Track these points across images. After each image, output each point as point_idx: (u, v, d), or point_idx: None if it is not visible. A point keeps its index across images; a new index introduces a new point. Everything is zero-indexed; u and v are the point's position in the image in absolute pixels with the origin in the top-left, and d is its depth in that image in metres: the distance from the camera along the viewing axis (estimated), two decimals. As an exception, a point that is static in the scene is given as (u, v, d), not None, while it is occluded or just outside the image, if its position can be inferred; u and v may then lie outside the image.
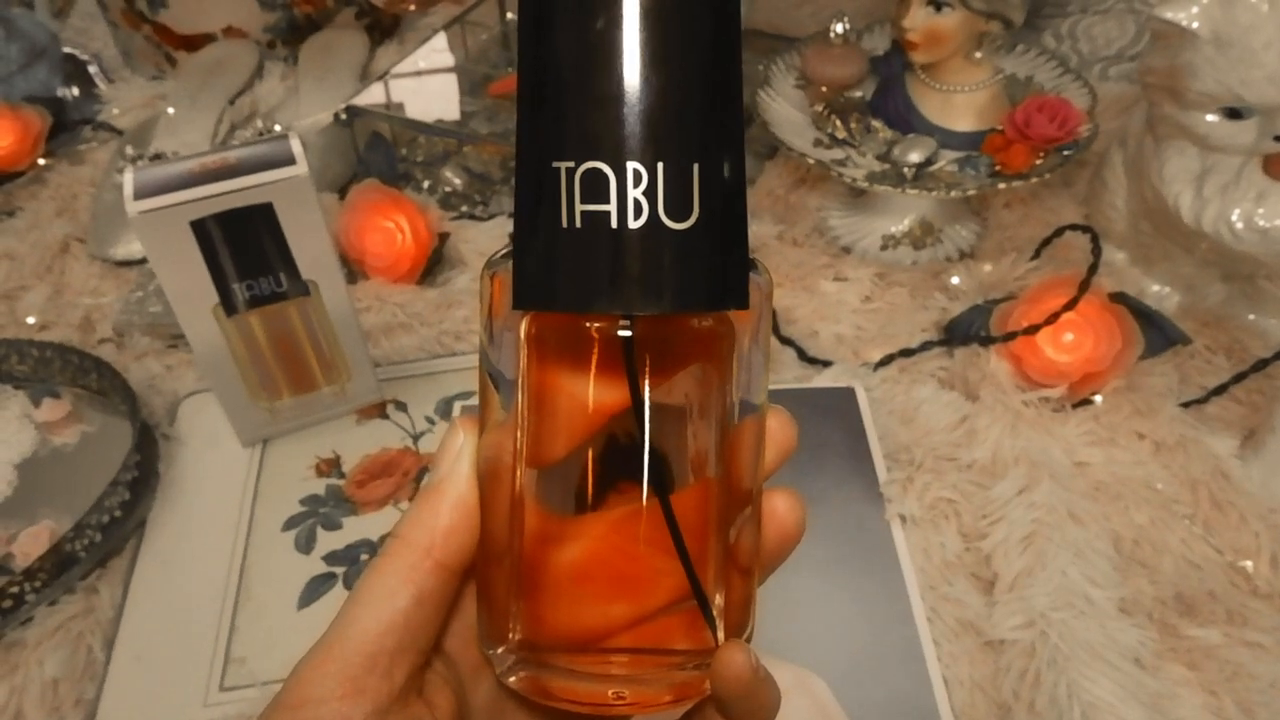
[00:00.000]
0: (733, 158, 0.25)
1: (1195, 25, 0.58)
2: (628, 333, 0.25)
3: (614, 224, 0.24)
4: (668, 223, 0.24)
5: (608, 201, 0.24)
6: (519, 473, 0.28)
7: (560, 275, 0.25)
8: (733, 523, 0.28)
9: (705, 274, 0.25)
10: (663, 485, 0.26)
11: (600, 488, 0.28)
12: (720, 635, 0.28)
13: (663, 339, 0.26)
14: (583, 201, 0.24)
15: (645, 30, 0.24)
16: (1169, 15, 0.58)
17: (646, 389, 0.26)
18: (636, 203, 0.24)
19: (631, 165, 0.24)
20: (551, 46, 0.24)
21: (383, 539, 0.59)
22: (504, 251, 0.28)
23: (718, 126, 0.25)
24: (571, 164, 0.24)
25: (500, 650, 0.28)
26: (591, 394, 0.27)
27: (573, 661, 0.28)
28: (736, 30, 0.25)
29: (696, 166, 0.24)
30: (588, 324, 0.26)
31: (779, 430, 0.31)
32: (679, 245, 0.25)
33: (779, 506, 0.30)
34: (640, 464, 0.26)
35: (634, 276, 0.24)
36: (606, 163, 0.24)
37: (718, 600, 0.28)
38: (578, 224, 0.24)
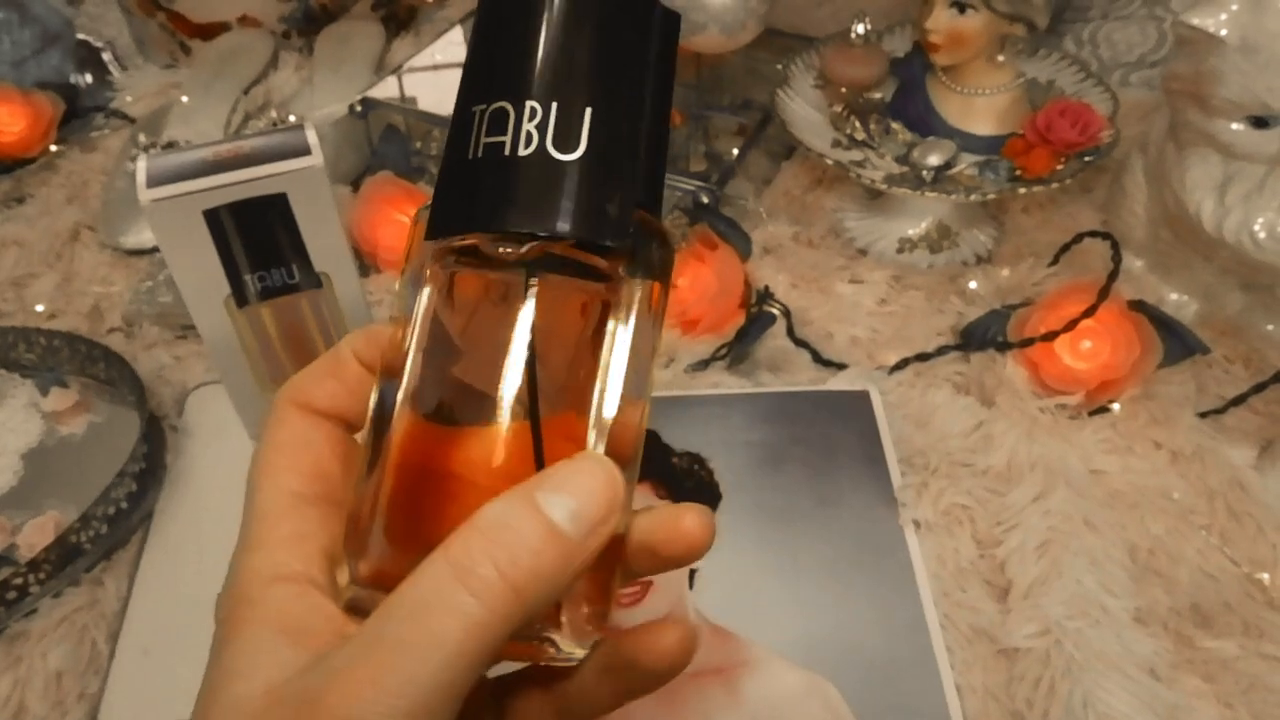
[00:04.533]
0: (630, 111, 0.28)
1: (1223, 32, 0.57)
2: (516, 248, 0.27)
3: (507, 151, 0.27)
4: (553, 153, 0.27)
5: (505, 133, 0.27)
6: (402, 387, 0.29)
7: (461, 203, 0.28)
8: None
9: (586, 205, 0.27)
10: (536, 413, 0.28)
11: (474, 413, 0.29)
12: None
13: (553, 280, 0.28)
14: (486, 135, 0.27)
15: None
16: (1196, 21, 0.58)
17: (532, 320, 0.28)
18: (528, 134, 0.27)
19: (530, 103, 0.27)
20: (486, 11, 0.29)
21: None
22: None
23: (613, 81, 0.28)
24: (484, 106, 0.27)
25: (347, 581, 0.29)
26: (481, 322, 0.29)
27: None
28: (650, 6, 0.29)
29: (589, 110, 0.27)
30: (483, 249, 0.28)
31: (696, 527, 0.29)
32: (562, 174, 0.27)
33: (688, 524, 0.29)
34: (520, 390, 0.28)
35: (519, 199, 0.27)
36: (510, 102, 0.27)
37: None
38: (480, 154, 0.27)
